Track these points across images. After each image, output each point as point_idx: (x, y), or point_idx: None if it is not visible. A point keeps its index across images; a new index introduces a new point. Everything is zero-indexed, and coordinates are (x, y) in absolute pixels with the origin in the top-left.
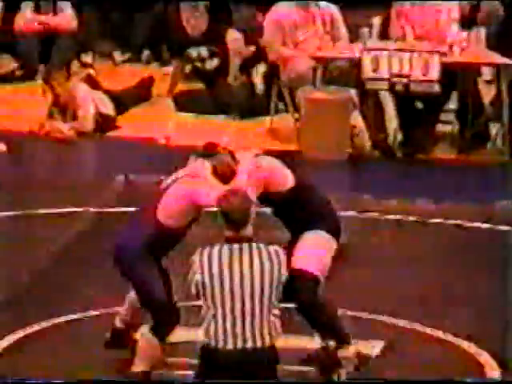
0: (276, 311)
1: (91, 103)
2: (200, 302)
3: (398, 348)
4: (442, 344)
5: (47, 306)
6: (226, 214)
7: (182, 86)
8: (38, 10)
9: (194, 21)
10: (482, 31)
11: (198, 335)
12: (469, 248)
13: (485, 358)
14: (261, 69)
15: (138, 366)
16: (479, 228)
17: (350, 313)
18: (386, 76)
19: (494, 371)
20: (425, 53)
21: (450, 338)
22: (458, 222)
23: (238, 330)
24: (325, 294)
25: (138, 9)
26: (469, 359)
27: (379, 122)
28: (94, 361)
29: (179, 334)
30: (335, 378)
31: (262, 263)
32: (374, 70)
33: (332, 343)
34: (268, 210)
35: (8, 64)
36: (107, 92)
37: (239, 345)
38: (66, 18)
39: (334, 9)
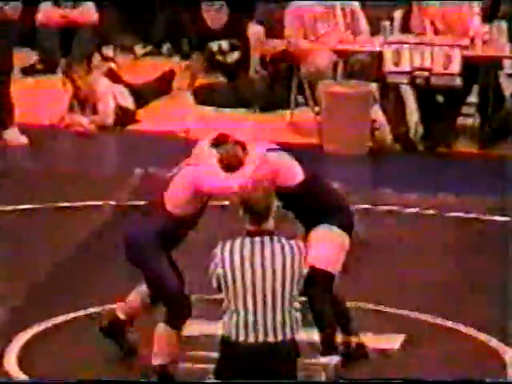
0: (297, 304)
1: (111, 97)
2: (220, 296)
3: (419, 342)
4: (463, 338)
5: (69, 297)
6: (248, 208)
7: (202, 79)
8: (58, 3)
9: (214, 14)
10: (504, 24)
11: (218, 329)
12: (490, 241)
13: (509, 355)
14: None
15: (156, 360)
16: (500, 221)
17: (369, 306)
18: (407, 69)
19: None
20: (446, 46)
21: (471, 331)
22: (479, 215)
23: (260, 323)
24: (338, 289)
25: (159, 2)
26: (491, 354)
27: (400, 116)
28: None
29: (199, 328)
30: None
31: (283, 257)
32: (395, 64)
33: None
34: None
35: (29, 57)
36: (128, 85)
37: (260, 338)
38: (87, 10)
39: (354, 2)
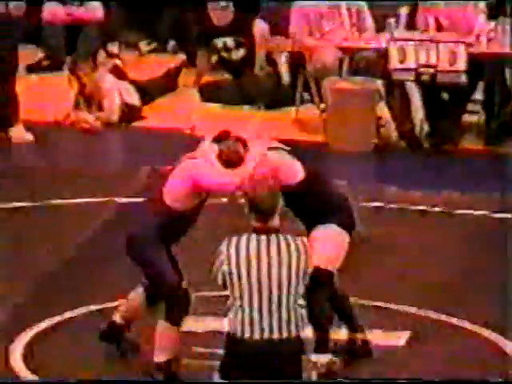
0: (302, 302)
1: (117, 94)
2: (225, 292)
3: (424, 339)
4: (468, 335)
5: (73, 295)
6: (253, 206)
7: (207, 77)
8: (64, 0)
9: (220, 12)
10: (509, 21)
11: (223, 325)
12: (496, 239)
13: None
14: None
15: (159, 357)
16: (506, 219)
17: (375, 303)
18: (413, 66)
19: None
20: (451, 43)
21: (476, 328)
22: (485, 212)
23: (265, 320)
24: (341, 286)
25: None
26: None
27: (405, 113)
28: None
29: (204, 324)
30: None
31: (289, 254)
32: (401, 61)
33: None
34: None
35: (34, 55)
36: (133, 82)
37: (266, 335)
38: (92, 8)
39: (360, 2)
